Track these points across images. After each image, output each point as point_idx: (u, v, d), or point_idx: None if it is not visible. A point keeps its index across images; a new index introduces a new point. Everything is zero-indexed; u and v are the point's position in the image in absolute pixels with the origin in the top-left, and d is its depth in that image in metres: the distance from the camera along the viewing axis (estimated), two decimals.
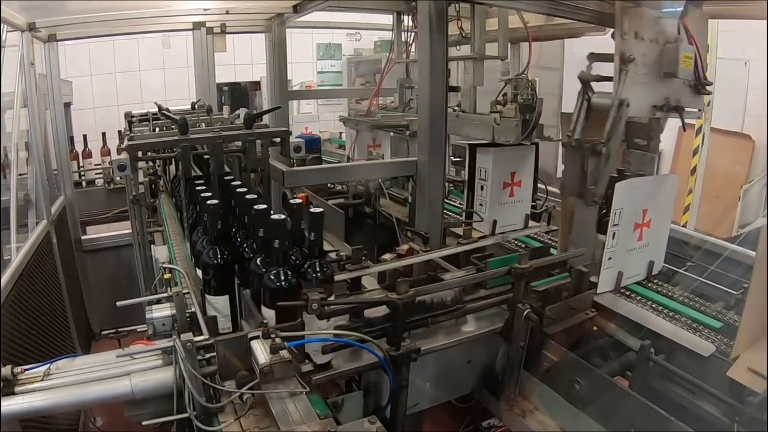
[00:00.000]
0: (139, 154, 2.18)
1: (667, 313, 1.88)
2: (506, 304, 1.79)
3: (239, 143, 2.22)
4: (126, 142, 2.12)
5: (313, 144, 3.70)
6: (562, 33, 3.20)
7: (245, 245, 1.58)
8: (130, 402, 1.36)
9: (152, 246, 2.48)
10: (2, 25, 2.81)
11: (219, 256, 1.54)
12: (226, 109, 3.18)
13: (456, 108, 2.65)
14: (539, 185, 2.76)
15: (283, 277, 1.41)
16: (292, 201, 1.54)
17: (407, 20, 3.27)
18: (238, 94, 6.87)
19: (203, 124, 2.80)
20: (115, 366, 1.39)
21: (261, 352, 1.31)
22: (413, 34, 3.23)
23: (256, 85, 6.94)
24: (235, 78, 6.81)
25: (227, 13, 3.84)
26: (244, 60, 6.55)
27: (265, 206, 1.49)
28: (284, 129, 2.42)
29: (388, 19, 3.50)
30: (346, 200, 3.21)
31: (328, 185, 3.32)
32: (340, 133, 5.62)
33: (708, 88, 2.01)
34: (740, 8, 2.15)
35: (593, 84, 1.92)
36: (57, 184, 4.06)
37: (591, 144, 1.87)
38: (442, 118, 2.34)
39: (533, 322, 1.71)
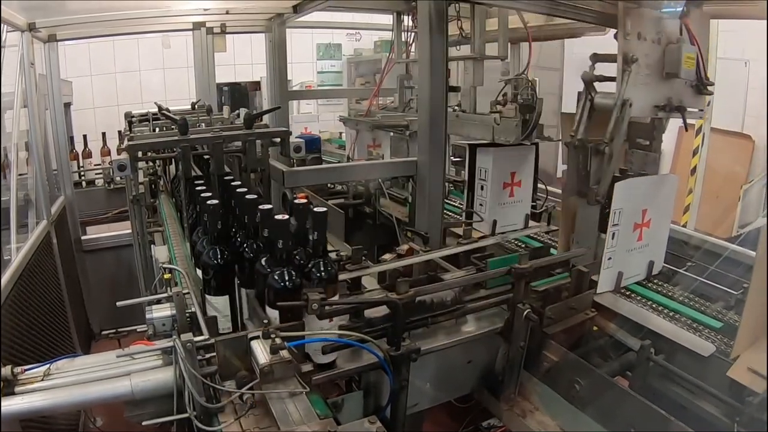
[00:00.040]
0: (139, 154, 2.18)
1: (667, 313, 1.88)
2: (506, 304, 1.79)
3: (239, 143, 2.22)
4: (126, 142, 2.12)
5: (313, 144, 3.69)
6: (562, 33, 3.19)
7: (245, 245, 1.58)
8: (130, 402, 1.36)
9: (152, 246, 2.48)
10: (2, 25, 2.81)
11: (219, 256, 1.54)
12: (226, 109, 3.18)
13: (456, 108, 2.65)
14: (539, 185, 2.76)
15: (286, 277, 1.41)
16: (296, 201, 1.54)
17: (407, 20, 3.26)
18: (238, 94, 6.86)
19: (203, 124, 2.80)
20: (115, 366, 1.39)
21: (261, 352, 1.31)
22: (413, 34, 3.23)
23: (256, 85, 6.94)
24: (235, 78, 6.81)
25: (227, 13, 3.84)
26: (244, 60, 6.55)
27: (270, 206, 1.49)
28: (284, 129, 2.42)
29: (388, 19, 3.50)
30: (346, 200, 3.21)
31: (328, 185, 3.31)
32: (340, 133, 5.63)
33: (709, 88, 2.02)
34: (740, 8, 2.15)
35: (596, 84, 1.93)
36: (57, 184, 4.06)
37: (594, 144, 1.88)
38: (442, 118, 2.34)
39: (533, 322, 1.71)
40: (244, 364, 1.39)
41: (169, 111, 2.76)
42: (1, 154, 3.21)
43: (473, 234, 2.40)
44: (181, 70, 6.02)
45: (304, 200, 1.59)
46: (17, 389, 1.30)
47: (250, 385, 1.30)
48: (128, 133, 2.64)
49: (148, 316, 1.51)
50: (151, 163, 3.13)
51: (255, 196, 1.59)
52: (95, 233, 4.57)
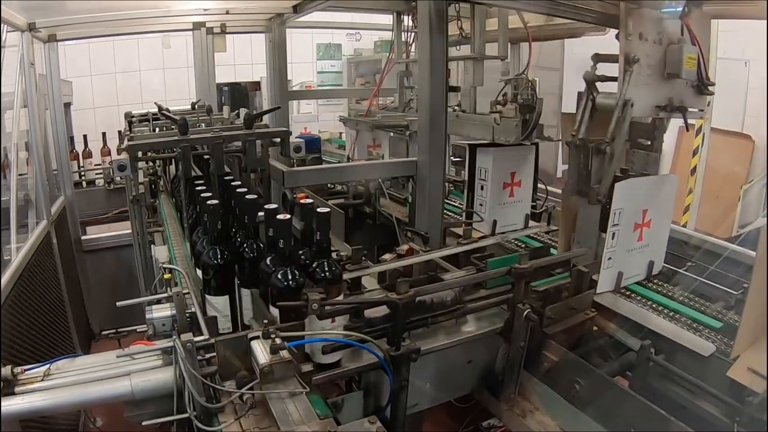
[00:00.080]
0: (139, 154, 2.18)
1: (667, 313, 1.88)
2: (506, 304, 1.79)
3: (239, 143, 2.22)
4: (126, 143, 2.12)
5: (313, 144, 3.69)
6: (562, 33, 3.20)
7: (245, 245, 1.58)
8: (130, 402, 1.36)
9: (152, 246, 2.48)
10: (2, 25, 2.81)
11: (219, 256, 1.54)
12: (226, 109, 3.18)
13: (456, 108, 2.65)
14: (539, 185, 2.75)
15: (289, 277, 1.42)
16: (302, 201, 1.54)
17: (407, 20, 3.26)
18: (238, 94, 6.86)
19: (203, 124, 2.80)
20: (115, 366, 1.39)
21: (261, 352, 1.31)
22: (413, 34, 3.23)
23: (256, 85, 6.94)
24: (235, 78, 6.81)
25: (227, 13, 3.84)
26: (244, 60, 6.55)
27: (275, 205, 1.49)
28: (284, 129, 2.42)
29: (388, 19, 3.50)
30: (346, 200, 3.21)
31: (328, 185, 3.31)
32: (340, 133, 5.63)
33: (710, 88, 2.02)
34: (740, 8, 2.15)
35: (597, 84, 1.93)
36: (57, 184, 4.06)
37: (595, 143, 1.88)
38: (442, 118, 2.34)
39: (533, 322, 1.71)
40: (244, 364, 1.39)
41: (169, 111, 2.76)
42: (1, 154, 3.21)
43: (473, 234, 2.40)
44: (181, 70, 6.03)
45: (310, 200, 1.59)
46: (17, 389, 1.30)
47: (250, 385, 1.30)
48: (128, 133, 2.64)
49: (148, 316, 1.51)
50: (151, 163, 3.13)
51: (255, 196, 1.59)
52: (95, 233, 4.57)
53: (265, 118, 2.77)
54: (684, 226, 4.64)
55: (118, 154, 2.14)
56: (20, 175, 3.22)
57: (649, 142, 2.16)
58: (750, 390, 1.44)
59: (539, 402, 1.78)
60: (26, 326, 2.54)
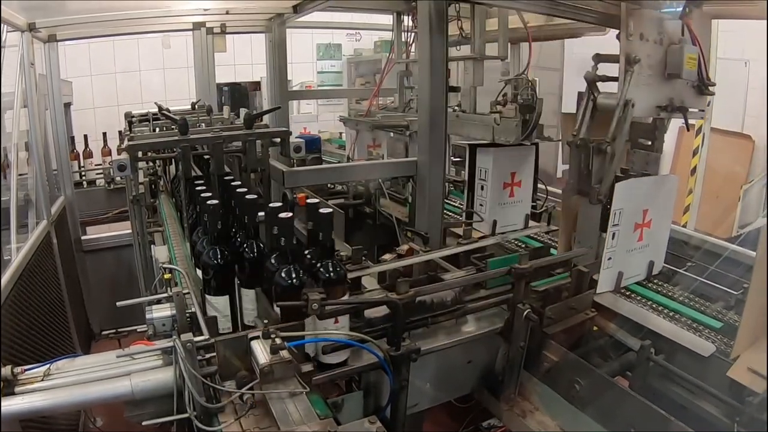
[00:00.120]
0: (140, 154, 2.18)
1: (667, 313, 1.88)
2: (506, 304, 1.79)
3: (239, 143, 2.22)
4: (126, 143, 2.12)
5: (313, 144, 3.69)
6: (562, 33, 3.20)
7: (245, 245, 1.58)
8: (130, 402, 1.36)
9: (152, 246, 2.48)
10: (2, 25, 2.81)
11: (219, 256, 1.54)
12: (226, 109, 3.18)
13: (456, 108, 2.65)
14: (539, 185, 2.76)
15: (293, 275, 1.42)
16: (308, 201, 1.54)
17: (407, 20, 3.26)
18: (238, 94, 6.87)
19: (203, 124, 2.80)
20: (115, 366, 1.39)
21: (261, 352, 1.31)
22: (413, 34, 3.23)
23: (256, 85, 6.94)
24: (235, 78, 6.82)
25: (227, 13, 3.84)
26: (244, 60, 6.55)
27: (279, 204, 1.49)
28: (284, 129, 2.42)
29: (388, 19, 3.50)
30: (346, 200, 3.21)
31: (328, 185, 3.31)
32: (340, 133, 5.63)
33: (710, 88, 2.02)
34: (740, 8, 2.15)
35: (598, 84, 1.93)
36: (57, 184, 4.06)
37: (596, 143, 1.88)
38: (442, 118, 2.34)
39: (533, 322, 1.71)
40: (244, 364, 1.39)
41: (169, 111, 2.76)
42: (1, 154, 3.21)
43: (473, 234, 2.40)
44: (181, 70, 6.03)
45: (316, 200, 1.59)
46: (17, 389, 1.30)
47: (250, 385, 1.30)
48: (128, 133, 2.64)
49: (148, 316, 1.51)
50: (151, 163, 3.13)
51: (255, 196, 1.59)
52: (95, 233, 4.57)
53: (265, 118, 2.77)
54: (684, 226, 4.64)
55: (119, 154, 2.14)
56: (20, 175, 3.22)
57: (649, 142, 2.16)
58: (750, 390, 1.44)
59: (539, 402, 1.78)
60: (26, 326, 2.54)
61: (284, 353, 1.29)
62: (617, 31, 1.89)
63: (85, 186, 4.51)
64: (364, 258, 1.97)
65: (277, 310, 1.45)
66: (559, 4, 2.15)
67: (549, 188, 2.80)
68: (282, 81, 4.08)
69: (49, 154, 3.83)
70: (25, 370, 1.34)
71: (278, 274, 1.43)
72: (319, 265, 1.45)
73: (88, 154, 4.62)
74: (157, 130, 2.80)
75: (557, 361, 1.79)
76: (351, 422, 1.36)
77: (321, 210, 1.44)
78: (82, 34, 4.25)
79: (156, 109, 2.90)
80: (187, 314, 1.49)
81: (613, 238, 1.95)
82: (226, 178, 1.96)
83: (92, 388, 1.34)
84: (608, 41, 2.07)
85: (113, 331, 4.27)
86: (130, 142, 2.07)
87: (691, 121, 2.05)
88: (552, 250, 2.14)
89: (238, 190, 1.67)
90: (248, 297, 1.58)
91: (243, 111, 2.77)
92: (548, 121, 2.35)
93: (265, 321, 1.45)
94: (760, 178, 4.85)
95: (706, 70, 2.00)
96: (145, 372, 1.37)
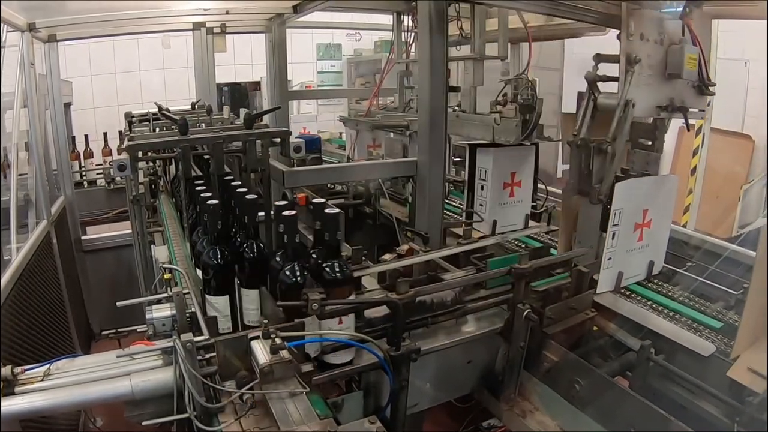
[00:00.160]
0: (140, 154, 2.17)
1: (667, 313, 1.88)
2: (506, 304, 1.79)
3: (239, 143, 2.22)
4: (126, 143, 2.12)
5: (313, 144, 3.69)
6: (562, 33, 3.20)
7: (245, 245, 1.58)
8: (130, 402, 1.36)
9: (152, 246, 2.48)
10: (2, 25, 2.81)
11: (219, 256, 1.54)
12: (226, 109, 3.18)
13: (456, 108, 2.65)
14: (539, 185, 2.75)
15: (298, 274, 1.42)
16: (314, 201, 1.54)
17: (407, 20, 3.26)
18: (238, 94, 6.87)
19: (203, 124, 2.80)
20: (115, 366, 1.39)
21: (261, 352, 1.31)
22: (413, 34, 3.23)
23: (256, 85, 6.94)
24: (235, 78, 6.81)
25: (227, 13, 3.84)
26: (244, 60, 6.55)
27: (284, 202, 1.49)
28: (284, 129, 2.42)
29: (388, 19, 3.50)
30: (346, 200, 3.20)
31: (328, 185, 3.31)
32: (340, 133, 5.64)
33: (711, 88, 2.02)
34: (740, 8, 2.15)
35: (598, 84, 1.93)
36: (57, 184, 4.06)
37: (596, 143, 1.88)
38: (442, 118, 2.34)
39: (533, 322, 1.71)
40: (244, 364, 1.39)
41: (169, 111, 2.76)
42: (1, 154, 3.21)
43: (473, 234, 2.40)
44: (181, 70, 6.03)
45: (322, 200, 1.59)
46: (17, 389, 1.30)
47: (250, 385, 1.30)
48: (128, 133, 2.64)
49: (148, 316, 1.51)
50: (151, 163, 3.13)
51: (255, 196, 1.59)
52: (95, 233, 4.57)
53: (265, 118, 2.76)
54: (684, 226, 4.64)
55: (119, 154, 2.14)
56: (20, 175, 3.22)
57: (650, 142, 2.16)
58: (750, 390, 1.44)
59: (539, 402, 1.78)
60: (26, 326, 2.54)
61: (284, 353, 1.29)
62: (617, 31, 1.89)
63: (85, 186, 4.51)
64: (364, 258, 1.97)
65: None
66: (559, 4, 2.15)
67: (549, 188, 2.80)
68: (282, 81, 4.08)
69: (49, 154, 3.83)
70: (25, 370, 1.34)
71: (282, 273, 1.43)
72: (325, 265, 1.45)
73: (89, 154, 4.62)
74: (157, 130, 2.80)
75: (557, 361, 1.79)
76: (351, 422, 1.36)
77: (327, 210, 1.44)
78: (82, 34, 4.25)
79: (156, 109, 2.90)
80: (187, 314, 1.49)
81: (613, 238, 1.95)
82: (226, 178, 1.96)
83: (92, 388, 1.34)
84: (608, 41, 2.07)
85: (113, 331, 4.27)
86: (130, 142, 2.07)
87: (691, 121, 2.05)
88: (552, 250, 2.14)
89: (238, 190, 1.67)
90: (248, 297, 1.58)
91: (243, 111, 2.77)
92: (548, 121, 2.35)
93: (265, 321, 1.45)
94: (760, 178, 4.85)
95: (706, 70, 2.00)
96: (145, 372, 1.37)
